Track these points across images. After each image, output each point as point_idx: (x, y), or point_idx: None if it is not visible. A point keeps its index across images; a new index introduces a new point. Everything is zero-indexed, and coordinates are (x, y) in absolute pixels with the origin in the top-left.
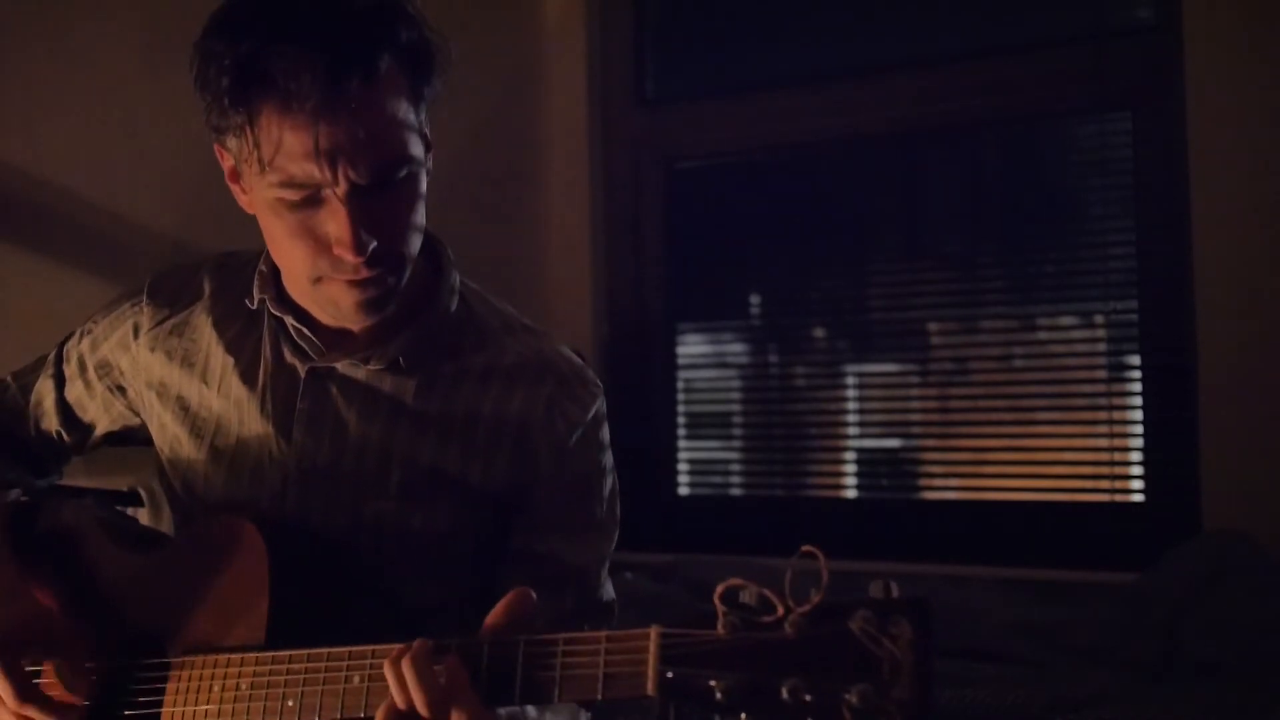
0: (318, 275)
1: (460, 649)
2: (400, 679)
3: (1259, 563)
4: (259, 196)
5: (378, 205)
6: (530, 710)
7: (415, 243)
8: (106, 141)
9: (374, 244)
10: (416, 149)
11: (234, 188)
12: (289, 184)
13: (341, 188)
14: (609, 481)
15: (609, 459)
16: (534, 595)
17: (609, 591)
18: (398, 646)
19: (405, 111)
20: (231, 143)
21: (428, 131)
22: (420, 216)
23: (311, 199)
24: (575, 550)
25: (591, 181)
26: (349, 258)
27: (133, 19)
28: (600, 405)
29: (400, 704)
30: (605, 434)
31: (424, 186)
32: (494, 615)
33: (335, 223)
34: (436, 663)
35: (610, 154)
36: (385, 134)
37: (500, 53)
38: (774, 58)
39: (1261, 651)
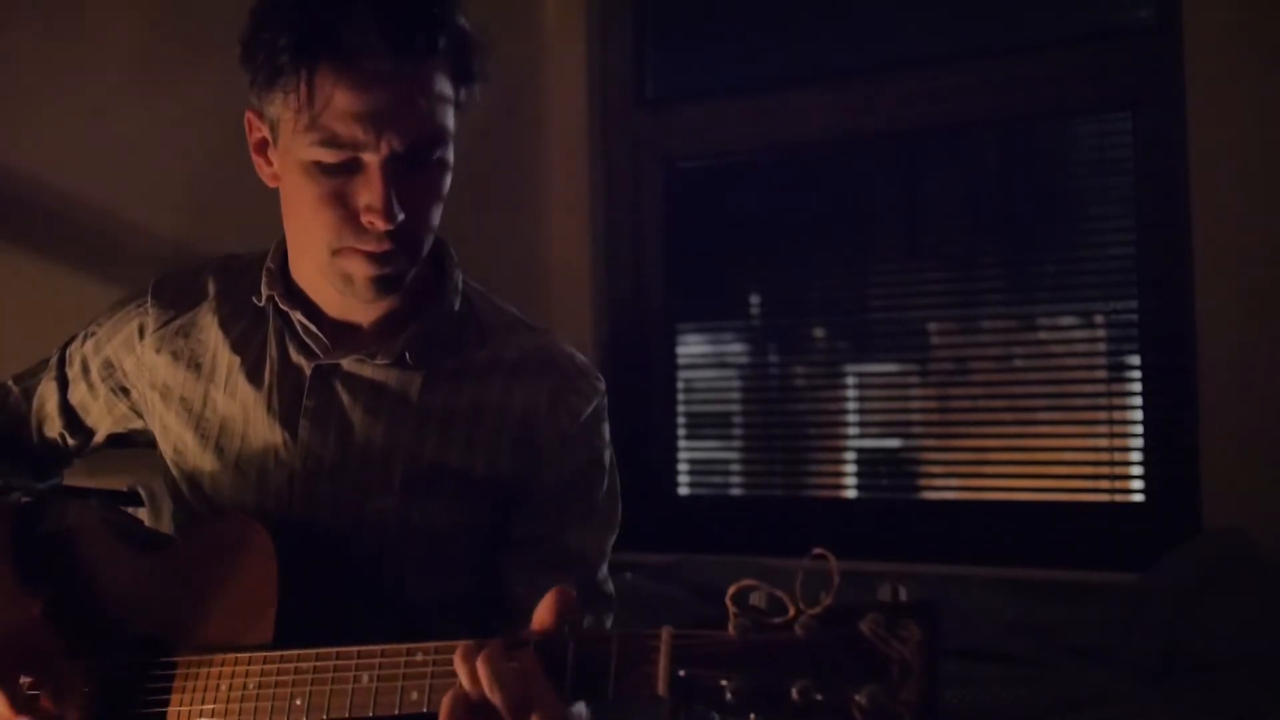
0: (338, 246)
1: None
2: (473, 674)
3: (1259, 563)
4: (293, 159)
5: (409, 181)
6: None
7: (429, 237)
8: (106, 145)
9: (401, 216)
10: (449, 141)
11: (258, 160)
12: (330, 143)
13: (381, 154)
14: (609, 475)
15: (609, 453)
16: (574, 592)
17: (609, 586)
18: (465, 642)
19: (447, 99)
20: (275, 104)
21: (453, 136)
22: (437, 216)
23: (347, 165)
24: (576, 536)
25: (591, 181)
26: (379, 224)
27: (134, 25)
28: (602, 399)
29: (472, 697)
30: (606, 428)
31: (447, 186)
32: (542, 614)
33: (369, 190)
34: (510, 659)
35: (610, 154)
36: (430, 110)
37: (500, 53)
38: (774, 58)
39: (1261, 651)
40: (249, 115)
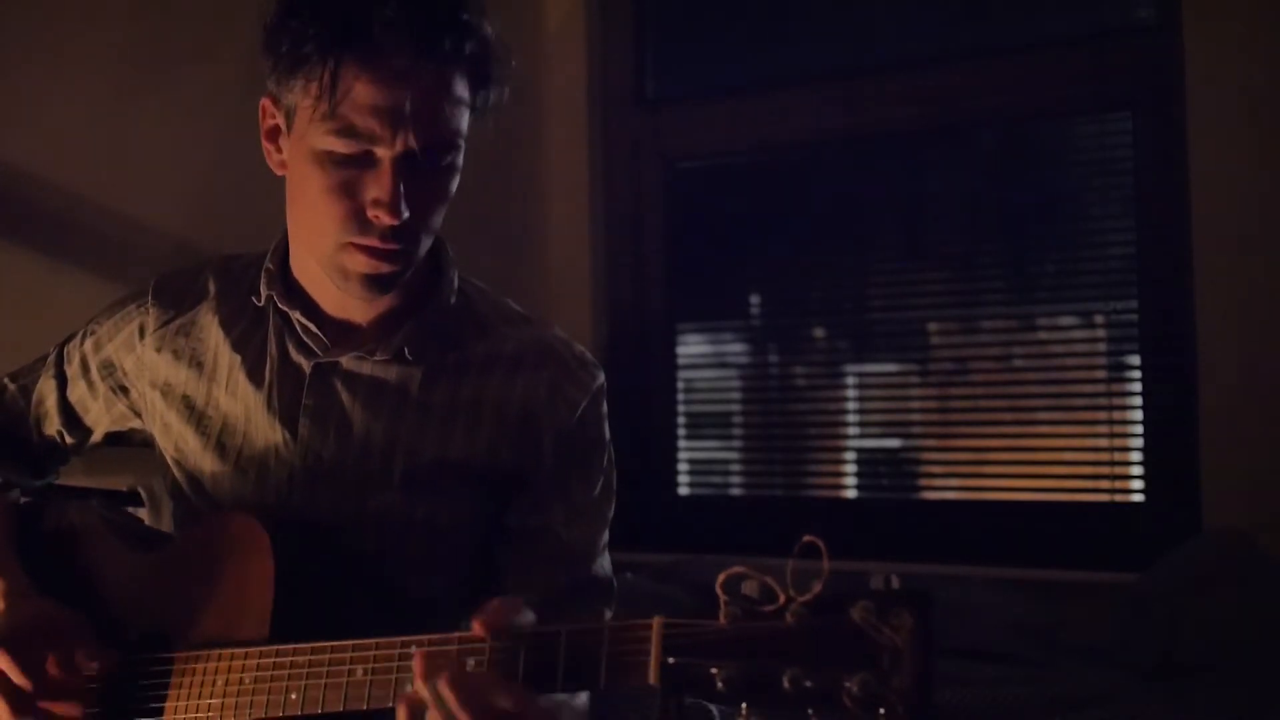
0: (342, 240)
1: (462, 644)
2: (437, 697)
3: (1259, 563)
4: (305, 147)
5: (418, 180)
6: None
7: (428, 239)
8: (107, 144)
9: (407, 214)
10: (461, 145)
11: (268, 147)
12: (346, 132)
13: (395, 150)
14: (606, 457)
15: (608, 442)
16: (520, 602)
17: (605, 568)
18: (421, 667)
19: (464, 103)
20: (294, 92)
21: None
22: (440, 218)
23: (359, 158)
24: (571, 526)
25: (591, 181)
26: (385, 218)
27: (134, 23)
28: (599, 383)
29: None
30: (604, 410)
31: (454, 190)
32: (487, 616)
33: (379, 185)
34: (464, 667)
35: (610, 154)
36: (448, 113)
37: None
38: (774, 58)
39: (1261, 652)
40: (264, 101)
